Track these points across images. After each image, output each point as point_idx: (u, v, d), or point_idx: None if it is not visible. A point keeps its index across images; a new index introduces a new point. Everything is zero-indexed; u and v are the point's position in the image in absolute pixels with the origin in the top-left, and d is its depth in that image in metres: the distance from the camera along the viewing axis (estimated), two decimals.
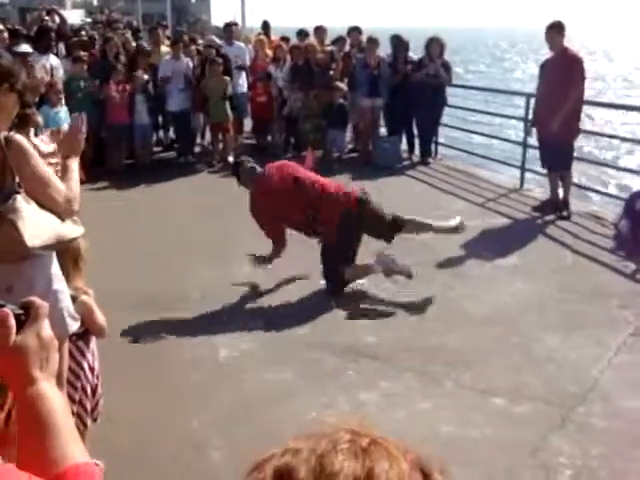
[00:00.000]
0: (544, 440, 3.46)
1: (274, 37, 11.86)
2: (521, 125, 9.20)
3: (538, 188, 8.54)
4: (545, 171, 7.69)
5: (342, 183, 6.05)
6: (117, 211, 7.71)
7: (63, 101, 8.17)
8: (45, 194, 2.70)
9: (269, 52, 10.80)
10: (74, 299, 3.01)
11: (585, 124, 9.07)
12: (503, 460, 3.32)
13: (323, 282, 5.45)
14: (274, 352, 4.47)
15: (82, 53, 9.45)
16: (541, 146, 7.57)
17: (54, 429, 1.00)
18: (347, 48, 10.67)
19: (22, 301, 1.09)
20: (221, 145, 10.11)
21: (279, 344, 4.59)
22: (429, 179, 9.15)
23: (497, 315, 4.98)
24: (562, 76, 7.03)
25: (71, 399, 3.04)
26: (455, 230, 5.63)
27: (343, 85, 9.93)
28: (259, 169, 5.62)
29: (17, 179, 2.65)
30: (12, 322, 1.04)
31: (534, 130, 7.67)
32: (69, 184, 2.81)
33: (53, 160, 3.49)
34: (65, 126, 4.34)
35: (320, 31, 10.81)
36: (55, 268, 2.85)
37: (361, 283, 5.44)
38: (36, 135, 4.46)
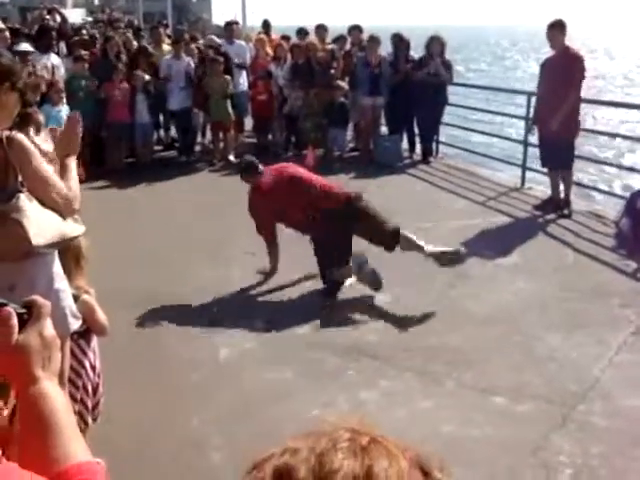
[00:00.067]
0: (545, 439, 3.46)
1: (275, 36, 11.86)
2: (522, 124, 9.20)
3: (539, 187, 8.54)
4: (546, 170, 7.70)
5: (342, 183, 6.04)
6: (118, 210, 7.71)
7: (64, 100, 8.18)
8: (47, 193, 2.70)
9: (270, 51, 10.79)
10: (76, 298, 3.01)
11: (587, 123, 9.07)
12: (504, 459, 3.32)
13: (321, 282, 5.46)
14: (274, 351, 4.48)
15: (83, 52, 9.46)
16: (542, 145, 7.57)
17: (56, 428, 1.00)
18: (348, 47, 10.67)
19: (24, 300, 1.09)
20: (222, 144, 10.11)
21: (279, 343, 4.59)
22: (430, 178, 9.15)
23: (498, 314, 4.98)
24: (563, 75, 7.03)
25: (72, 398, 3.04)
26: (448, 258, 5.29)
27: (344, 84, 9.93)
28: (261, 168, 5.64)
29: (20, 178, 2.65)
30: (14, 321, 1.05)
31: (535, 128, 7.67)
32: (69, 183, 2.82)
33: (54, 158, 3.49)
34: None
35: (321, 30, 10.81)
36: (57, 267, 2.86)
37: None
38: (38, 132, 4.46)
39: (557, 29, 7.18)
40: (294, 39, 11.15)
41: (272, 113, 10.44)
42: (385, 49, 10.11)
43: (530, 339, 4.58)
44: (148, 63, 9.82)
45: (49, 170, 2.75)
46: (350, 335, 4.68)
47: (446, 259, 5.29)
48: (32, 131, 4.18)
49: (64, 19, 12.22)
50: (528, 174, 8.79)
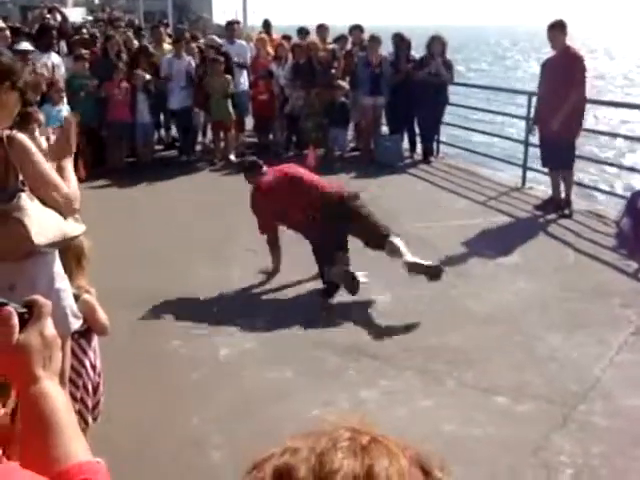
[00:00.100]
0: (546, 439, 3.46)
1: (276, 35, 11.86)
2: (523, 123, 9.19)
3: (540, 187, 8.54)
4: (547, 170, 7.70)
5: (342, 183, 6.03)
6: (118, 209, 7.71)
7: (65, 99, 8.18)
8: (47, 192, 2.70)
9: (271, 50, 10.80)
10: (76, 297, 3.01)
11: (588, 123, 9.06)
12: (505, 459, 3.32)
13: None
14: (275, 351, 4.47)
15: (84, 51, 9.46)
16: (543, 145, 7.57)
17: (57, 427, 1.00)
18: (349, 46, 10.67)
19: (25, 299, 1.09)
20: (222, 143, 10.11)
21: (280, 343, 4.59)
22: (431, 177, 9.15)
23: (499, 314, 4.98)
24: (563, 75, 7.03)
25: (72, 397, 3.04)
26: (428, 271, 5.13)
27: (345, 83, 9.93)
28: (264, 168, 5.66)
29: (20, 177, 2.65)
30: (15, 321, 1.05)
31: (536, 128, 7.67)
32: (68, 183, 2.82)
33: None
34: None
35: (322, 29, 10.81)
36: (58, 266, 2.86)
37: (364, 281, 5.43)
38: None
39: (558, 29, 7.18)
40: (295, 39, 11.15)
41: (273, 113, 10.44)
42: (386, 49, 10.10)
43: (531, 339, 4.58)
44: (149, 62, 9.82)
45: (50, 169, 2.75)
46: (350, 334, 4.68)
47: (424, 271, 5.11)
48: (37, 130, 4.18)
49: (65, 18, 12.21)
50: (529, 174, 8.79)
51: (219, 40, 11.12)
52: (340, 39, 10.80)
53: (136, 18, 23.21)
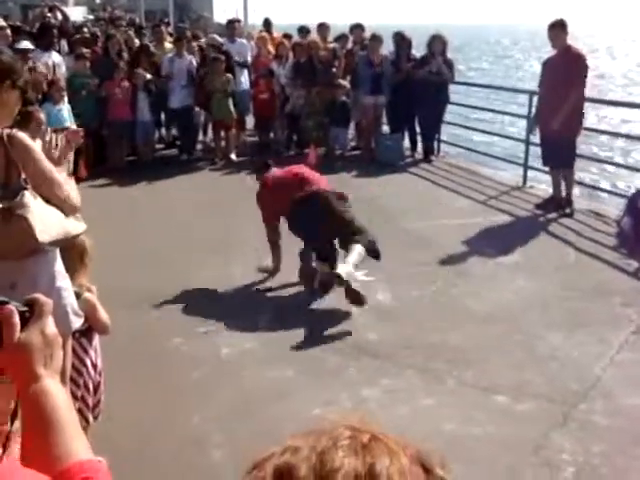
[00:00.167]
0: (546, 438, 3.46)
1: (276, 34, 11.86)
2: (524, 122, 9.19)
3: (541, 185, 8.54)
4: (548, 168, 7.70)
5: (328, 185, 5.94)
6: (119, 208, 7.72)
7: (66, 98, 8.18)
8: (49, 191, 2.71)
9: (271, 49, 10.79)
10: (78, 295, 3.01)
11: (589, 122, 9.05)
12: (505, 458, 3.32)
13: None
14: (275, 350, 4.48)
15: (84, 50, 9.45)
16: (543, 144, 7.57)
17: (58, 426, 1.00)
18: (350, 45, 10.66)
19: (26, 298, 1.09)
20: (223, 142, 10.11)
21: (280, 342, 4.59)
22: (431, 176, 9.15)
23: (499, 313, 4.98)
24: (564, 74, 7.03)
25: (73, 396, 3.05)
26: (351, 295, 4.90)
27: (345, 82, 9.93)
28: (274, 169, 5.74)
29: (23, 175, 2.65)
30: (16, 319, 1.05)
31: (537, 127, 7.66)
32: (68, 183, 2.82)
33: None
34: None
35: (323, 28, 10.81)
36: (59, 265, 2.86)
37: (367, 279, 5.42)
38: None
39: (558, 29, 7.18)
40: (296, 37, 11.15)
41: (274, 112, 10.44)
42: (387, 48, 10.10)
43: (531, 338, 4.58)
44: (150, 61, 9.82)
45: (51, 168, 2.75)
46: (351, 333, 4.68)
47: (347, 293, 4.93)
48: (47, 130, 4.18)
49: (65, 17, 12.19)
50: (530, 173, 8.79)
51: (220, 39, 11.12)
52: (341, 38, 10.79)
53: (137, 17, 23.17)
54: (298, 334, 4.69)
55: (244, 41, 10.97)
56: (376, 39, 9.88)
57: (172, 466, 3.30)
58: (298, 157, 9.12)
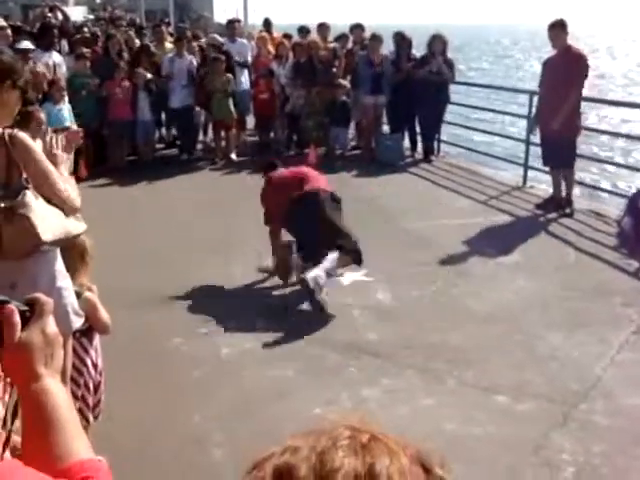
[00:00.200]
0: (546, 438, 3.46)
1: (276, 34, 11.86)
2: (524, 122, 9.19)
3: (541, 185, 8.53)
4: (548, 168, 7.70)
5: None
6: (119, 208, 7.72)
7: (66, 98, 8.18)
8: (50, 190, 2.71)
9: (271, 49, 10.79)
10: (78, 295, 3.02)
11: (589, 122, 9.06)
12: (506, 458, 3.32)
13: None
14: (275, 349, 4.48)
15: (85, 50, 9.45)
16: (544, 143, 7.57)
17: (59, 425, 1.01)
18: (350, 45, 10.66)
19: (27, 297, 1.09)
20: (224, 142, 10.11)
21: (281, 341, 4.59)
22: (432, 176, 9.15)
23: (500, 313, 4.98)
24: (564, 74, 7.03)
25: (74, 395, 3.05)
26: (313, 303, 4.90)
27: (346, 82, 9.93)
28: (280, 169, 5.79)
29: (24, 175, 2.66)
30: (17, 318, 1.05)
31: (537, 127, 7.66)
32: (69, 182, 2.83)
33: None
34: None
35: (323, 28, 10.81)
36: (59, 265, 2.86)
37: (367, 279, 5.42)
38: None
39: (558, 29, 7.18)
40: (296, 37, 11.15)
41: (274, 112, 10.44)
42: (387, 48, 10.10)
43: (531, 338, 4.58)
44: (150, 61, 9.82)
45: (51, 168, 2.75)
46: (351, 333, 4.68)
47: (310, 299, 4.92)
48: (47, 129, 4.18)
49: (66, 17, 12.19)
50: (530, 173, 8.79)
51: (220, 39, 11.12)
52: (341, 38, 10.79)
53: (137, 17, 23.19)
54: (298, 334, 4.69)
55: (244, 41, 10.97)
56: (376, 39, 9.88)
57: (173, 465, 3.30)
58: (298, 157, 9.12)
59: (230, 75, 9.75)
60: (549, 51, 7.54)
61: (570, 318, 4.86)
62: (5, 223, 2.56)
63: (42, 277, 2.75)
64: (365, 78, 9.79)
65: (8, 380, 1.14)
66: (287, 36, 11.38)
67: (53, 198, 2.71)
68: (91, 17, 21.23)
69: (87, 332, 3.18)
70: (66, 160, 2.98)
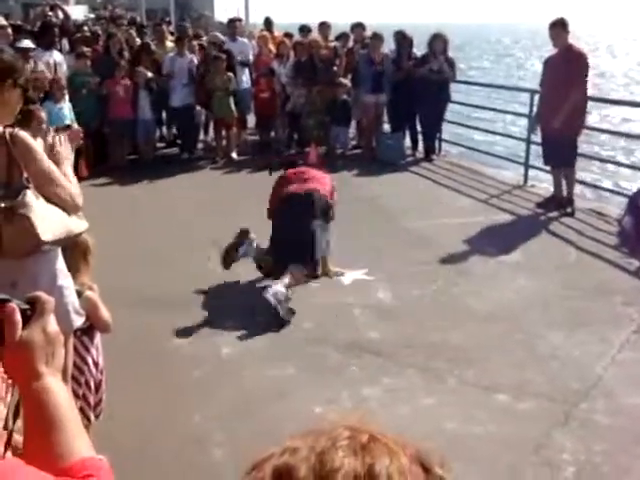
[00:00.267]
0: (547, 437, 3.46)
1: (277, 33, 11.85)
2: (525, 121, 9.18)
3: (542, 184, 8.53)
4: (549, 167, 7.69)
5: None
6: (120, 207, 7.72)
7: (67, 97, 8.18)
8: (52, 190, 2.71)
9: (272, 48, 10.79)
10: (79, 294, 3.01)
11: (590, 121, 9.05)
12: (506, 457, 3.32)
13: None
14: (276, 348, 4.48)
15: (85, 49, 9.44)
16: (545, 143, 7.56)
17: (60, 424, 1.01)
18: (351, 44, 10.66)
19: (28, 296, 1.09)
20: (224, 141, 10.11)
21: (281, 340, 4.59)
22: (432, 175, 9.15)
23: (500, 312, 4.98)
24: (565, 73, 7.02)
25: (75, 394, 3.05)
26: (276, 317, 4.79)
27: (346, 81, 9.92)
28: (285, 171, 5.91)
29: (25, 174, 2.65)
30: (18, 317, 1.05)
31: (538, 126, 7.66)
32: (70, 181, 2.83)
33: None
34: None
35: (324, 27, 10.81)
36: (60, 264, 2.86)
37: (368, 278, 5.41)
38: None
39: (559, 27, 7.18)
40: (297, 36, 11.15)
41: (275, 110, 10.44)
42: (388, 47, 10.10)
43: (532, 337, 4.58)
44: (151, 60, 9.82)
45: (53, 167, 2.75)
46: (352, 332, 4.68)
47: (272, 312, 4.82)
48: (48, 128, 4.18)
49: (67, 16, 12.18)
50: (531, 172, 8.78)
51: (222, 37, 11.11)
52: (342, 37, 10.79)
53: (138, 16, 23.16)
54: (299, 333, 4.69)
55: (245, 40, 10.96)
56: (377, 38, 9.88)
57: (173, 464, 3.30)
58: (298, 156, 9.11)
59: (231, 74, 9.75)
60: (550, 50, 7.54)
61: (571, 317, 4.86)
62: (5, 223, 2.56)
63: (43, 276, 2.75)
64: (366, 77, 9.78)
65: (10, 380, 1.14)
66: (288, 35, 11.38)
67: (54, 197, 2.71)
68: (92, 16, 21.21)
69: (88, 330, 3.18)
70: (69, 158, 2.98)
